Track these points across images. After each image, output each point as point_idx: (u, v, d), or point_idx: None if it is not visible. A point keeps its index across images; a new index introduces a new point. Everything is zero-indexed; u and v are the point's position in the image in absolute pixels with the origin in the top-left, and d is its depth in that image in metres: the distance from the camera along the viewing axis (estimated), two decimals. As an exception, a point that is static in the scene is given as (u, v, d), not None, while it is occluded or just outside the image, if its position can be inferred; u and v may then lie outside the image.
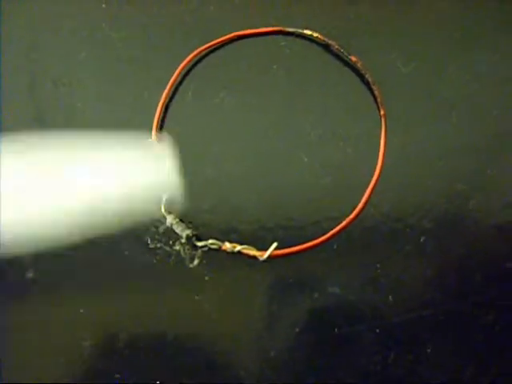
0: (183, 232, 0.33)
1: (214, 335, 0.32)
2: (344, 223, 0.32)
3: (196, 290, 0.33)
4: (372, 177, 0.33)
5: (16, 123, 0.36)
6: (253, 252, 0.32)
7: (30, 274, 0.34)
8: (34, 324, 0.33)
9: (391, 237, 0.33)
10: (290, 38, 0.36)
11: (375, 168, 0.33)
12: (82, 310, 0.33)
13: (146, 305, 0.33)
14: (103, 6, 0.39)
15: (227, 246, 0.32)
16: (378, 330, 0.31)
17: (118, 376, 0.32)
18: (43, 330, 0.33)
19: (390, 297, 0.32)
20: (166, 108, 0.36)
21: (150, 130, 0.35)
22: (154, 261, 0.33)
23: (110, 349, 0.33)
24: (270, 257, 0.32)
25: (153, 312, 0.33)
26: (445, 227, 0.33)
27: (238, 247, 0.32)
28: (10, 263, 0.34)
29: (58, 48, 0.38)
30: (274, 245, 0.32)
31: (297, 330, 0.32)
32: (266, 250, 0.32)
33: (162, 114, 0.35)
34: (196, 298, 0.32)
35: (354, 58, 0.35)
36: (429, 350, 0.31)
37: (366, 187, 0.33)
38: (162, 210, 0.34)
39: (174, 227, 0.33)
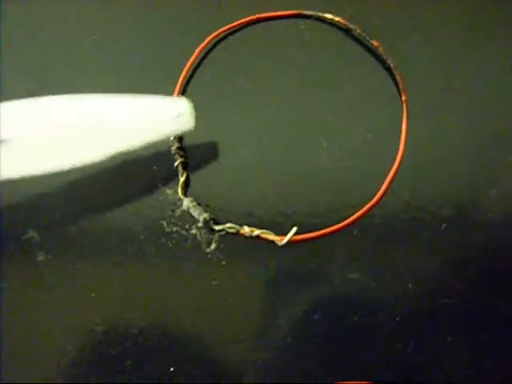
0: (200, 215, 0.32)
1: (231, 321, 0.31)
2: (364, 209, 0.32)
3: (213, 275, 0.32)
4: (393, 163, 0.33)
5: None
6: (272, 237, 0.32)
7: (40, 257, 0.33)
8: (45, 308, 0.32)
9: (412, 224, 0.32)
10: (309, 22, 0.36)
11: (396, 154, 0.33)
12: (93, 295, 0.32)
13: (161, 290, 0.32)
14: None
15: (246, 230, 0.32)
16: (397, 319, 0.31)
17: (129, 363, 0.31)
18: (54, 315, 0.32)
19: (410, 284, 0.31)
20: (184, 92, 0.35)
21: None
22: (170, 245, 0.32)
23: (122, 335, 0.32)
24: (289, 242, 0.31)
25: (168, 297, 0.32)
26: (466, 215, 0.32)
27: (257, 231, 0.32)
28: (20, 246, 0.33)
29: (67, 34, 0.37)
30: (294, 229, 0.31)
31: (316, 316, 0.31)
32: (285, 235, 0.31)
33: (180, 96, 0.35)
34: (213, 283, 0.32)
35: (375, 43, 0.34)
36: (449, 339, 0.31)
37: (387, 173, 0.33)
38: (179, 192, 0.33)
39: (191, 210, 0.32)
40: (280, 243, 0.31)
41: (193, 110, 0.32)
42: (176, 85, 0.35)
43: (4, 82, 0.36)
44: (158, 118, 0.31)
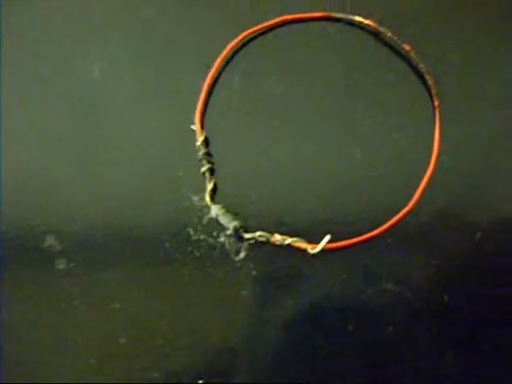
0: (230, 223, 0.31)
1: (262, 333, 0.30)
2: (398, 216, 0.31)
3: (242, 284, 0.31)
4: (426, 170, 0.32)
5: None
6: (304, 245, 0.31)
7: (60, 266, 0.32)
8: (65, 319, 0.31)
9: (446, 233, 0.31)
10: (339, 25, 0.35)
11: (429, 161, 0.32)
12: (117, 305, 0.31)
13: (187, 300, 0.31)
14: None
15: (277, 238, 0.31)
16: (434, 329, 0.30)
17: (155, 376, 0.30)
18: (75, 326, 0.31)
19: (446, 295, 0.31)
20: (210, 94, 0.34)
21: (193, 115, 0.33)
22: (197, 253, 0.31)
23: (148, 347, 0.31)
24: (322, 250, 0.30)
25: (195, 308, 0.31)
26: (502, 225, 0.31)
27: (289, 240, 0.31)
28: (39, 254, 0.32)
29: (92, 30, 0.36)
30: (327, 237, 0.30)
31: (350, 327, 0.30)
32: (318, 243, 0.30)
33: (205, 100, 0.34)
34: (243, 293, 0.31)
35: (407, 47, 0.33)
36: (487, 349, 0.30)
37: (420, 181, 0.32)
38: (207, 199, 0.32)
39: (220, 218, 0.31)
40: (312, 251, 0.30)
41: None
42: (202, 87, 0.34)
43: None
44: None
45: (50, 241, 0.32)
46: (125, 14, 0.37)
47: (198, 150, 0.33)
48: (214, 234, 0.32)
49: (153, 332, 0.31)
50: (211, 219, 0.32)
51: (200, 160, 0.33)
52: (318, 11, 0.35)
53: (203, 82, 0.34)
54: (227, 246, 0.31)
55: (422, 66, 0.33)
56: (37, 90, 0.35)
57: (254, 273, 0.31)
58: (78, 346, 0.31)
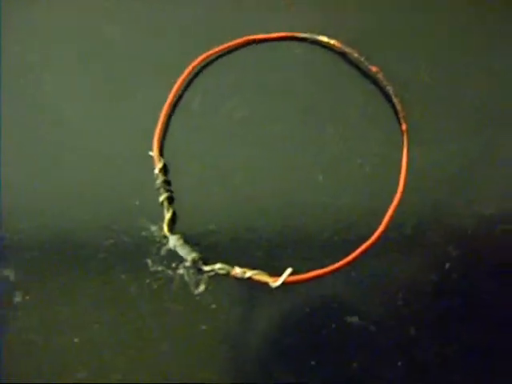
0: (188, 255, 0.30)
1: (222, 369, 0.29)
2: (363, 247, 0.30)
3: (202, 319, 0.30)
4: (393, 198, 0.31)
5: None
6: (265, 278, 0.29)
7: (17, 299, 0.31)
8: (23, 353, 0.30)
9: (414, 263, 0.30)
10: (304, 45, 0.34)
11: (397, 188, 0.31)
12: (75, 340, 0.30)
13: (145, 334, 0.30)
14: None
15: (237, 271, 0.30)
16: (400, 364, 0.29)
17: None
18: (32, 360, 0.30)
19: (413, 329, 0.29)
20: (170, 118, 0.33)
21: (151, 141, 0.32)
22: (155, 286, 0.30)
23: (105, 382, 0.30)
24: (283, 283, 0.29)
25: (153, 342, 0.30)
26: (472, 253, 0.30)
27: (249, 273, 0.29)
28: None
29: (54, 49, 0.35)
30: (289, 270, 0.29)
31: (313, 363, 0.29)
32: (279, 275, 0.29)
33: (164, 125, 0.32)
34: (202, 328, 0.30)
35: (374, 68, 0.32)
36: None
37: (387, 209, 0.31)
38: (165, 229, 0.31)
39: (178, 249, 0.30)
40: (274, 285, 0.29)
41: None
42: (161, 111, 0.32)
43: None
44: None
45: (6, 272, 0.31)
46: (86, 33, 0.35)
47: (156, 178, 0.31)
48: (173, 265, 0.30)
49: (110, 367, 0.30)
50: (170, 250, 0.31)
51: (158, 188, 0.31)
52: (282, 31, 0.33)
53: (162, 106, 0.32)
54: (186, 278, 0.30)
55: (389, 88, 0.32)
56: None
57: (213, 306, 0.30)
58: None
